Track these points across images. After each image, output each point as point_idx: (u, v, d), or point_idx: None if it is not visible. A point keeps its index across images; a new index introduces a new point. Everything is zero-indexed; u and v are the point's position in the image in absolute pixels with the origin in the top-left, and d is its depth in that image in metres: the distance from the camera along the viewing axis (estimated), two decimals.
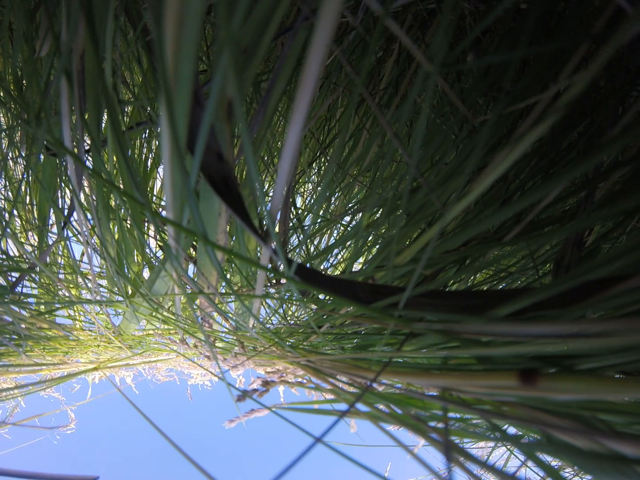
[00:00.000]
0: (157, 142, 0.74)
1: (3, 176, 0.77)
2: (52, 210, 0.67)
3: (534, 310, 0.23)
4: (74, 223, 0.52)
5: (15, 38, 0.47)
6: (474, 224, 0.27)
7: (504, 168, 0.21)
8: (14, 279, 0.61)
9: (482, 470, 0.23)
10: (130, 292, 0.67)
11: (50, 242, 0.67)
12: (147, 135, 0.73)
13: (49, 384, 0.94)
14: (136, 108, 0.68)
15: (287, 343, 0.54)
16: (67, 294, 0.69)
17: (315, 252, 0.81)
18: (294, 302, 0.67)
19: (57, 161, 0.52)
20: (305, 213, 0.82)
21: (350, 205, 0.82)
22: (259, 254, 0.57)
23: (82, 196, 0.42)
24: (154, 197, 0.85)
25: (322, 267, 0.81)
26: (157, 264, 0.60)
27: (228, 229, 0.38)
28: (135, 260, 0.64)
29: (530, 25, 0.25)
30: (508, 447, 0.60)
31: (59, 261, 0.84)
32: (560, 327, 0.20)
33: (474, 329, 0.24)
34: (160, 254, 0.72)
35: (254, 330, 0.55)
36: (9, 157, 0.75)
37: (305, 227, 0.71)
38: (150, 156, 0.75)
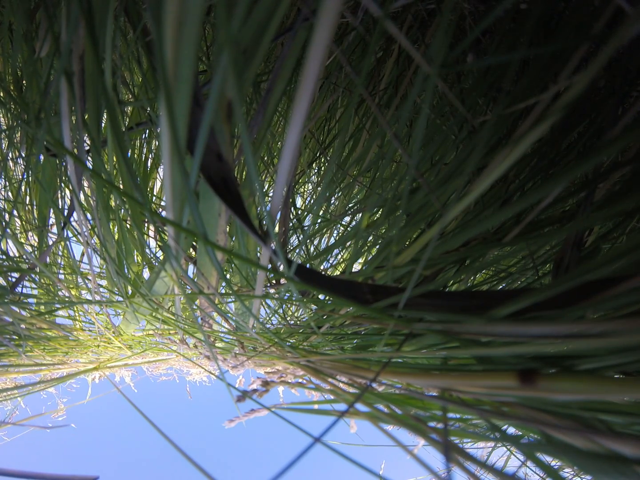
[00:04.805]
0: (157, 143, 0.74)
1: (3, 176, 0.77)
2: (52, 211, 0.67)
3: (533, 311, 0.23)
4: (74, 223, 0.52)
5: (15, 38, 0.47)
6: (473, 225, 0.27)
7: (504, 168, 0.21)
8: (14, 280, 0.61)
9: (481, 470, 0.23)
10: (130, 292, 0.67)
11: (50, 243, 0.67)
12: (147, 135, 0.73)
13: (49, 384, 0.94)
14: (136, 108, 0.68)
15: (287, 343, 0.54)
16: (67, 295, 0.69)
17: (315, 253, 0.81)
18: (294, 303, 0.67)
19: (57, 162, 0.52)
20: (305, 213, 0.82)
21: (350, 205, 0.82)
22: (258, 254, 0.57)
23: (82, 196, 0.42)
24: (154, 197, 0.85)
25: (322, 268, 0.81)
26: (157, 264, 0.60)
27: (228, 229, 0.38)
28: (135, 261, 0.64)
29: (530, 26, 0.25)
30: (508, 447, 0.60)
31: (59, 261, 0.84)
32: (560, 327, 0.20)
33: (474, 330, 0.24)
34: (160, 254, 0.72)
35: (254, 331, 0.55)
36: (9, 158, 0.75)
37: (305, 228, 0.71)
38: (150, 156, 0.75)
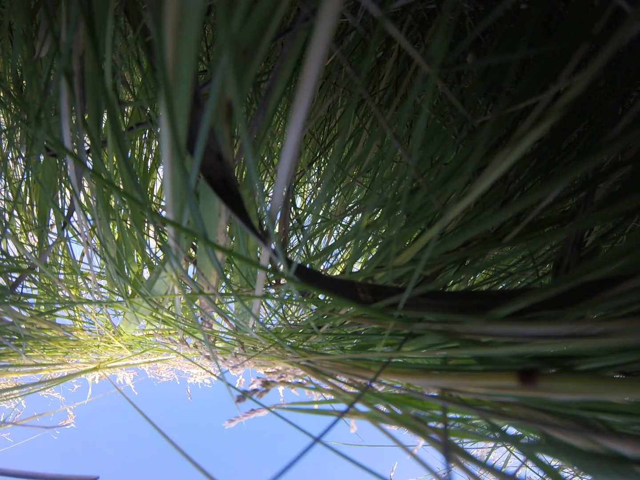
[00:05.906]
0: (157, 143, 0.74)
1: (3, 176, 0.77)
2: (52, 211, 0.67)
3: (533, 311, 0.23)
4: (74, 223, 0.52)
5: (15, 38, 0.47)
6: (473, 225, 0.27)
7: (504, 168, 0.21)
8: (14, 280, 0.61)
9: (481, 471, 0.23)
10: (130, 292, 0.67)
11: (50, 243, 0.67)
12: (147, 135, 0.73)
13: (49, 384, 0.94)
14: (136, 108, 0.68)
15: (287, 343, 0.54)
16: (67, 295, 0.69)
17: (315, 253, 0.81)
18: (294, 303, 0.67)
19: (57, 162, 0.52)
20: (305, 213, 0.82)
21: (350, 205, 0.82)
22: (258, 254, 0.57)
23: (82, 196, 0.42)
24: (154, 198, 0.85)
25: (322, 268, 0.81)
26: (157, 264, 0.60)
27: (228, 229, 0.38)
28: (135, 261, 0.64)
29: (530, 26, 0.25)
30: (508, 447, 0.60)
31: (59, 261, 0.84)
32: (560, 327, 0.20)
33: (474, 330, 0.24)
34: (160, 254, 0.72)
35: (254, 331, 0.55)
36: (9, 158, 0.75)
37: (305, 228, 0.71)
38: (150, 156, 0.75)
